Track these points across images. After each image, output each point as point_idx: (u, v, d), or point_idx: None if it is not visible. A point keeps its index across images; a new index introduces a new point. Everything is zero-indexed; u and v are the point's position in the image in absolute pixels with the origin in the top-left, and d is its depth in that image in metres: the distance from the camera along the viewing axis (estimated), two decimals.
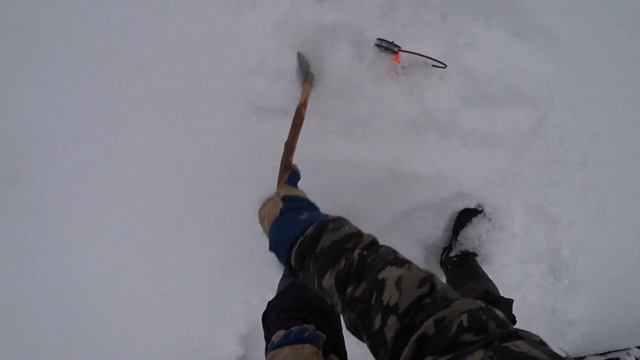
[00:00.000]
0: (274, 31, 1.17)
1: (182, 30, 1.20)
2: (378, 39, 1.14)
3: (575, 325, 1.69)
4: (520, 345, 0.36)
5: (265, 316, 0.96)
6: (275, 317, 0.91)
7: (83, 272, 1.36)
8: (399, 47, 1.13)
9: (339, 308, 0.56)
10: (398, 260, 0.54)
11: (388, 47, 1.13)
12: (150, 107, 1.24)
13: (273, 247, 0.66)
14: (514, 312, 1.02)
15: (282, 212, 0.67)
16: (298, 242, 0.60)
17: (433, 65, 1.18)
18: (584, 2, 1.30)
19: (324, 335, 0.79)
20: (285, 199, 0.70)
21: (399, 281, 0.50)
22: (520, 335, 0.40)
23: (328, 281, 0.55)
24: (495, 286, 1.16)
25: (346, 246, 0.57)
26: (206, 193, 1.31)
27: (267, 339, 0.89)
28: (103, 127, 1.25)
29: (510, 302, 1.03)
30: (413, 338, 0.43)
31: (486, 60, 1.26)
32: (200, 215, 1.32)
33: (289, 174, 0.81)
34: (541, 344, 0.38)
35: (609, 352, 1.85)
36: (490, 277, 1.24)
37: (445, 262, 1.37)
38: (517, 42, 1.29)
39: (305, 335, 0.77)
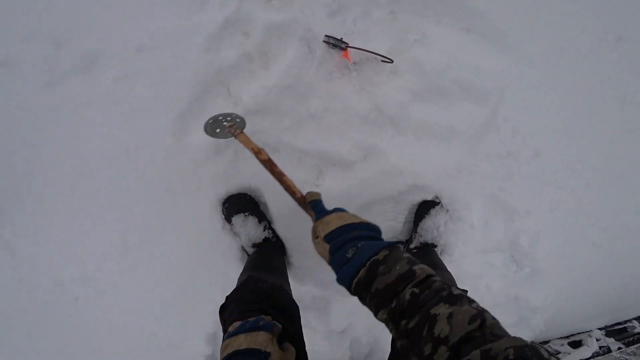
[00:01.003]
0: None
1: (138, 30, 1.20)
2: (326, 35, 1.16)
3: (538, 311, 1.73)
4: None
5: (222, 310, 0.97)
6: (232, 309, 0.92)
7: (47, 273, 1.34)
8: (347, 44, 1.15)
9: (393, 334, 0.64)
10: (452, 297, 0.60)
11: (336, 44, 1.15)
12: (105, 108, 1.24)
13: (340, 281, 0.73)
14: None
15: (331, 253, 0.74)
16: (354, 283, 0.69)
17: (382, 61, 1.20)
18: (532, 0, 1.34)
19: (280, 325, 0.81)
20: (327, 238, 0.75)
21: (450, 317, 0.56)
22: None
23: (382, 316, 0.65)
24: (452, 277, 1.18)
25: (398, 289, 0.64)
26: (165, 194, 1.31)
27: (224, 330, 0.90)
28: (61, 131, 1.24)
29: (463, 292, 1.05)
30: None
31: (437, 56, 1.28)
32: (159, 215, 1.32)
33: (311, 205, 0.83)
34: None
35: (572, 334, 1.91)
36: (450, 267, 1.26)
37: None
38: (467, 37, 1.33)
39: (260, 324, 0.79)
